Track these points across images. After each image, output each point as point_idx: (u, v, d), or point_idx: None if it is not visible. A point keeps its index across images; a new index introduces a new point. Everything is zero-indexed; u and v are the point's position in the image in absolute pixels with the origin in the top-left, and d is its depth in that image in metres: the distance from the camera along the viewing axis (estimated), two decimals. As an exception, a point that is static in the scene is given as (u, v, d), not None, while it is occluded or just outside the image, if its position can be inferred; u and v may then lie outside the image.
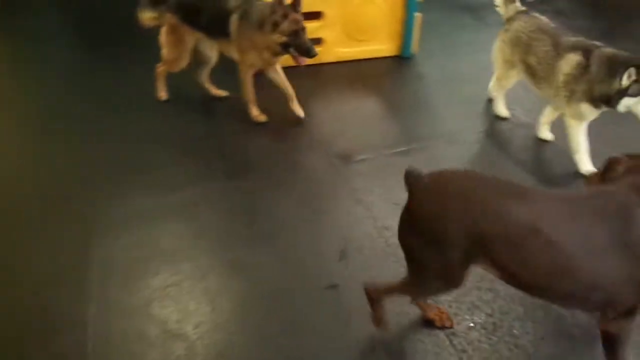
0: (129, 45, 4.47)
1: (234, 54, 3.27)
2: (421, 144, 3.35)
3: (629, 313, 1.68)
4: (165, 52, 3.46)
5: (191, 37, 3.36)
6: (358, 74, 4.23)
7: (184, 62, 3.46)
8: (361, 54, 4.36)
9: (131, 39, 4.38)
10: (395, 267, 2.42)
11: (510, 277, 1.69)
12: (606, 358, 1.83)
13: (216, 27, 3.23)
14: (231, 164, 3.14)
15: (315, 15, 4.07)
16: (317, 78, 3.67)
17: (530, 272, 1.61)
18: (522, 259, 1.59)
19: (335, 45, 4.21)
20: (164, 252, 2.49)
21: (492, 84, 3.68)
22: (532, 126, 3.48)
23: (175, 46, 3.39)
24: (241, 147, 3.31)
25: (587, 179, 2.13)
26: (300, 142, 3.37)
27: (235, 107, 3.59)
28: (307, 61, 3.07)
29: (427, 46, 4.52)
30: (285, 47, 3.03)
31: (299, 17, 3.01)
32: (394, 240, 2.55)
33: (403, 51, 4.45)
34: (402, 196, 2.81)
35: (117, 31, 4.57)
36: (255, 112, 3.45)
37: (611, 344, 1.78)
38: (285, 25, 2.96)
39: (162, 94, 3.68)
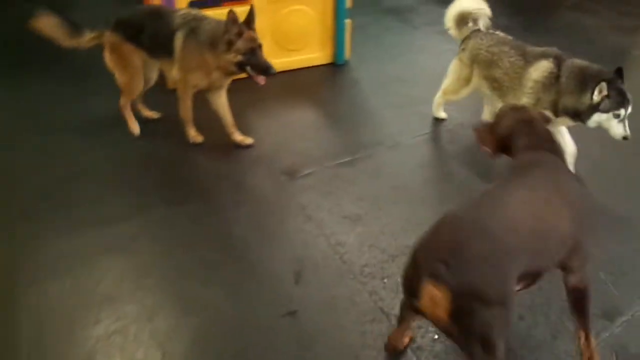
0: (55, 66, 4.15)
1: (175, 73, 3.08)
2: (364, 152, 3.31)
3: (585, 263, 1.86)
4: (117, 78, 3.22)
5: (137, 56, 3.14)
6: (293, 84, 4.15)
7: (139, 84, 3.24)
8: (294, 64, 4.28)
9: (57, 59, 4.08)
10: (352, 284, 2.35)
11: (529, 278, 1.74)
12: (578, 317, 1.91)
13: (159, 45, 3.04)
14: (171, 190, 2.95)
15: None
16: (252, 91, 3.54)
17: (544, 258, 1.69)
18: (537, 251, 1.63)
19: (267, 56, 4.09)
20: (104, 296, 2.27)
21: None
22: (470, 125, 3.53)
23: (124, 67, 3.16)
24: (180, 170, 3.13)
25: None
26: (242, 160, 3.23)
27: (171, 129, 3.40)
28: (265, 79, 2.92)
29: (358, 51, 4.52)
30: (241, 67, 2.88)
31: (254, 34, 2.86)
32: (349, 256, 2.50)
33: (336, 58, 4.41)
34: (352, 209, 2.79)
35: (43, 51, 4.20)
36: (192, 133, 3.28)
37: (581, 300, 1.89)
38: (241, 44, 2.79)
39: (134, 127, 3.39)
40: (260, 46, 2.85)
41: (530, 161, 1.88)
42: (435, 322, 1.56)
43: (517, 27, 5.20)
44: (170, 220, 2.71)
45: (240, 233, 2.64)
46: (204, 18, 2.96)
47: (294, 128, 3.60)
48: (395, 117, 3.72)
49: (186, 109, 3.19)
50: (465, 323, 1.47)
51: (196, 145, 3.29)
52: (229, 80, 3.11)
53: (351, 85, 4.24)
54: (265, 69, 2.84)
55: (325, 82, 4.28)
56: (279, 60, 4.14)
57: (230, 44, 2.79)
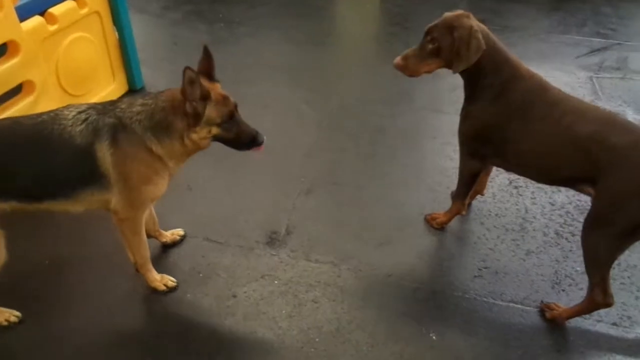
0: None
1: (116, 202, 1.85)
2: (301, 172, 2.82)
3: None
4: None
5: None
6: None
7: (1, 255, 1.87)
8: (95, 109, 3.12)
9: None
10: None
11: None
12: None
13: (64, 181, 1.81)
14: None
15: (18, 89, 2.64)
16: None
17: None
18: None
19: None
20: None
21: None
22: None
23: None
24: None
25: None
26: (212, 262, 2.30)
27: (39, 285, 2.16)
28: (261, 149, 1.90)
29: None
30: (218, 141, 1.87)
31: (222, 90, 1.84)
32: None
33: (134, 83, 3.42)
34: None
35: None
36: (156, 277, 2.14)
37: None
38: (213, 111, 1.77)
39: (9, 315, 2.02)
40: (236, 106, 1.87)
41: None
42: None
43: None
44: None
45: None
46: (117, 103, 1.85)
47: (194, 191, 2.71)
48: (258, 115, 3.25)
49: (142, 244, 2.05)
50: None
51: (162, 292, 2.15)
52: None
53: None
54: (252, 138, 1.88)
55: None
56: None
57: (197, 117, 1.76)
